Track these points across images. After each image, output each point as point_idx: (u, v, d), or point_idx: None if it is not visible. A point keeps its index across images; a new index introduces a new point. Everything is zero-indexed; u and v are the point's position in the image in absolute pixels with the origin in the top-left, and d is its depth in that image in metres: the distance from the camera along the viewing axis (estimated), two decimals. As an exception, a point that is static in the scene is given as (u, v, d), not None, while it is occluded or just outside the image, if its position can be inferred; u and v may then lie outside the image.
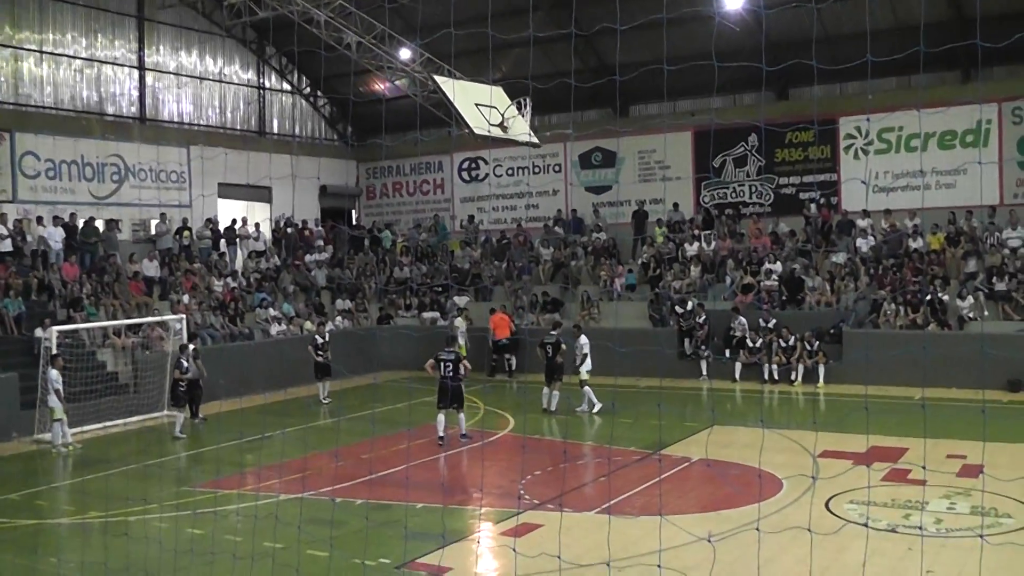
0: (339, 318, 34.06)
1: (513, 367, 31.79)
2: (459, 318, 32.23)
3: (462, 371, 21.22)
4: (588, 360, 24.20)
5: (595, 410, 24.11)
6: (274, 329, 31.58)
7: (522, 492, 16.37)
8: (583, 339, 24.40)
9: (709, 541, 10.76)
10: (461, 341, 29.80)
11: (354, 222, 42.82)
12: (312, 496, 16.33)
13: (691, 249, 33.36)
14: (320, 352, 27.56)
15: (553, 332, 24.99)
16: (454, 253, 38.24)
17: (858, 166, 32.25)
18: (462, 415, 21.37)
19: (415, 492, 15.90)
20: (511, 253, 36.90)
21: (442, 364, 21.13)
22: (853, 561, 11.33)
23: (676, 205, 35.31)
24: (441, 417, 21.01)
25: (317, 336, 28.08)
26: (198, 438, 23.14)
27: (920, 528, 13.56)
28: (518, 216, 38.91)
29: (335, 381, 27.83)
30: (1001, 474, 14.84)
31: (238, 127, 38.65)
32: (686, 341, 30.11)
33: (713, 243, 33.40)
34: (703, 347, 29.52)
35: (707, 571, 10.59)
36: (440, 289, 35.87)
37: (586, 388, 24.23)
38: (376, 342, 32.67)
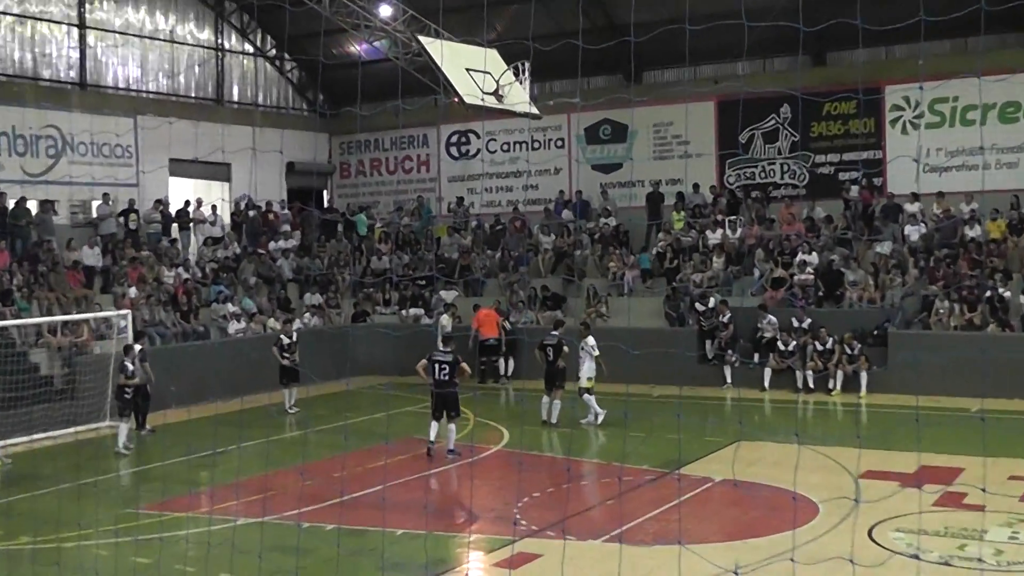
0: (308, 315, 33.96)
1: (506, 372, 31.72)
2: (445, 315, 32.16)
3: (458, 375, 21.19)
4: (590, 365, 24.13)
5: (599, 421, 24.04)
6: (233, 327, 31.49)
7: (518, 517, 16.28)
8: (591, 339, 24.29)
9: (735, 574, 10.67)
10: (443, 343, 30.05)
11: (325, 204, 42.72)
12: (275, 520, 16.23)
13: (714, 237, 33.29)
14: (286, 354, 27.47)
15: (554, 332, 24.90)
16: (440, 240, 38.17)
17: (907, 142, 32.19)
18: (452, 426, 21.30)
19: (394, 516, 15.81)
20: (506, 241, 36.83)
21: (436, 366, 21.06)
22: (901, 598, 11.27)
23: (696, 186, 35.25)
24: (435, 425, 20.99)
25: (283, 336, 27.99)
26: (144, 452, 23.05)
27: (978, 560, 13.48)
28: (515, 198, 38.82)
29: (303, 387, 27.73)
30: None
31: (192, 94, 38.53)
32: (708, 343, 30.04)
33: (739, 230, 33.34)
34: (727, 350, 29.45)
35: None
36: (424, 282, 35.79)
37: (587, 396, 24.17)
38: (350, 342, 32.59)
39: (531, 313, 33.02)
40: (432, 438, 21.00)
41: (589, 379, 24.20)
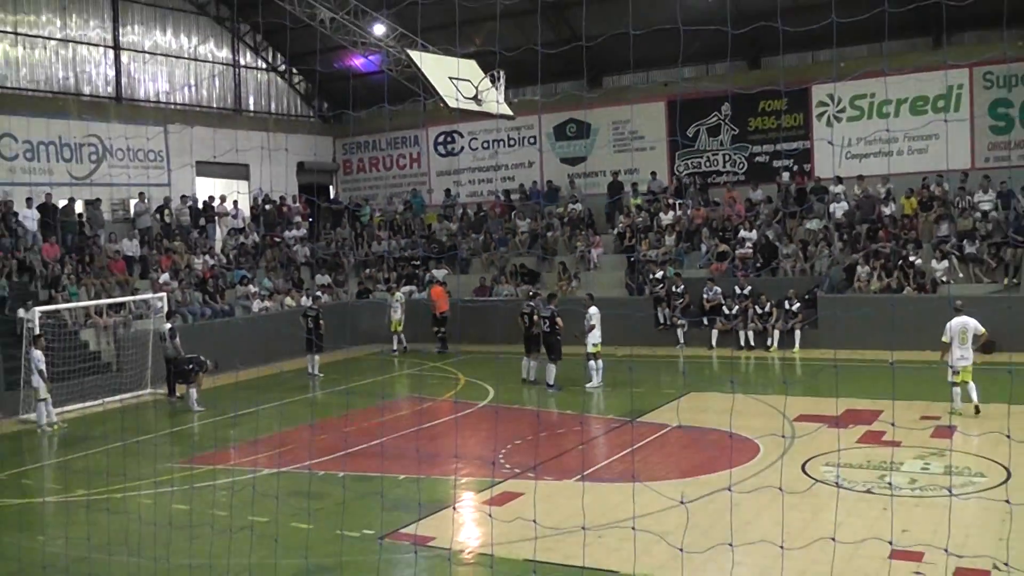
0: (319, 292, 33.89)
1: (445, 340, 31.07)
2: (398, 292, 32.15)
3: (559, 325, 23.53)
4: (597, 331, 23.30)
5: (593, 384, 23.27)
6: (256, 305, 31.37)
7: (502, 461, 16.38)
8: (593, 309, 23.55)
9: (682, 503, 10.78)
10: (396, 316, 31.31)
11: (331, 197, 42.58)
12: (293, 469, 16.29)
13: (666, 218, 33.30)
14: (311, 326, 27.20)
15: (530, 303, 24.87)
16: (431, 226, 38.12)
17: (830, 133, 32.23)
18: (553, 367, 23.48)
19: (395, 463, 15.89)
20: (488, 225, 36.77)
21: (540, 319, 23.74)
22: (829, 521, 11.39)
23: (654, 174, 35.21)
24: (527, 361, 24.49)
25: (312, 309, 27.97)
26: (180, 415, 23.00)
27: (894, 487, 13.64)
28: (494, 188, 38.72)
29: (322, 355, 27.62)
30: (973, 434, 14.88)
31: (214, 105, 38.30)
32: (660, 310, 29.98)
33: (688, 211, 33.36)
34: (679, 316, 29.42)
35: (685, 534, 10.61)
36: (418, 262, 35.80)
37: (592, 362, 23.23)
38: (358, 316, 32.59)
39: (510, 287, 33.02)
40: (525, 374, 24.31)
41: (595, 344, 23.31)
